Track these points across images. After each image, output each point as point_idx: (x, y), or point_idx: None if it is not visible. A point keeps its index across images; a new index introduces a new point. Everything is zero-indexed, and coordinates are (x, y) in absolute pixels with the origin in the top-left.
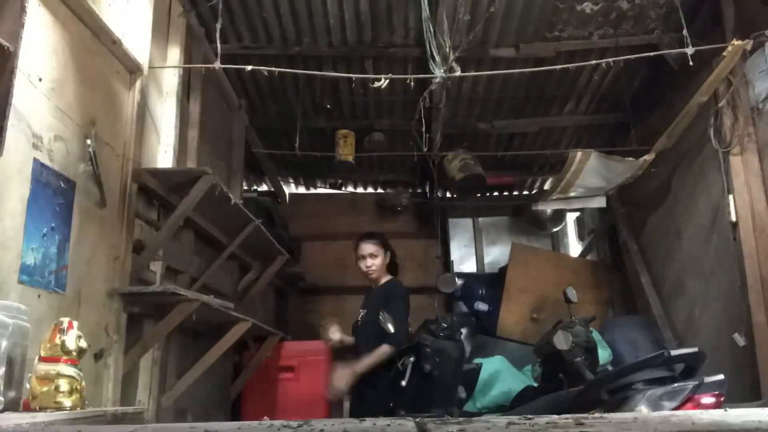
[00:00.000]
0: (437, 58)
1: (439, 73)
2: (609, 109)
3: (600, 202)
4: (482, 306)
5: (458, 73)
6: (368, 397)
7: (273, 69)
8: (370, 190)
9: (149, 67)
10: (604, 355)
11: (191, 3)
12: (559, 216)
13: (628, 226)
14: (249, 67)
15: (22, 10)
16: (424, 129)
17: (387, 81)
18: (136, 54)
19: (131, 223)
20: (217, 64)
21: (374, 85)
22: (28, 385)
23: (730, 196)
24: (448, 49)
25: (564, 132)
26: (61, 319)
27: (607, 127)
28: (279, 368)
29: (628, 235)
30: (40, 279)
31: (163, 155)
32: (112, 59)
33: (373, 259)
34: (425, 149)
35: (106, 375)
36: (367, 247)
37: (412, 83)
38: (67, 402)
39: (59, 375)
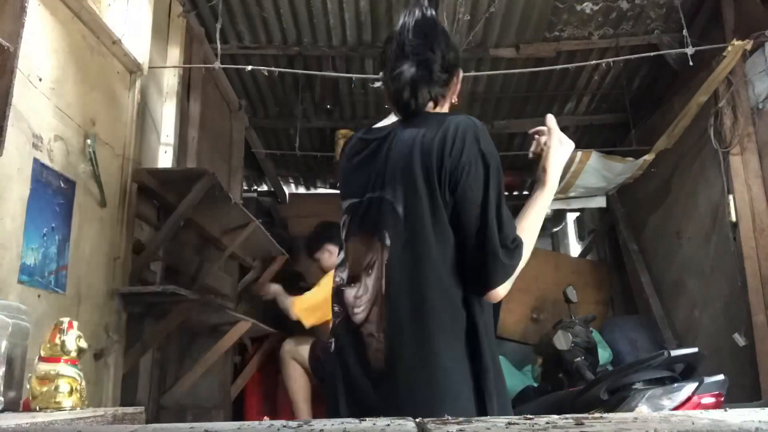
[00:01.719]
0: None
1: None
2: (609, 109)
3: (600, 202)
4: None
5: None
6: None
7: (273, 69)
8: None
9: (149, 67)
10: (604, 355)
11: (191, 3)
12: (559, 216)
13: (628, 226)
14: (249, 67)
15: (22, 10)
16: None
17: None
18: (136, 54)
19: (131, 223)
20: (217, 64)
21: (374, 85)
22: (28, 385)
23: (730, 196)
24: None
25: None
26: (61, 319)
27: (607, 127)
28: (279, 368)
29: (628, 235)
30: (40, 279)
31: (163, 155)
32: (112, 59)
33: None
34: None
35: (106, 375)
36: None
37: None
38: (67, 402)
39: (59, 375)
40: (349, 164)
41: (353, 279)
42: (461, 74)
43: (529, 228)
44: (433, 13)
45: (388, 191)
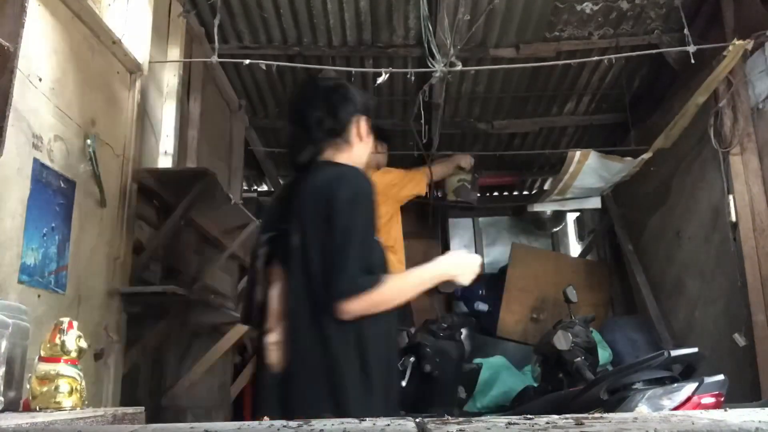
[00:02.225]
0: (437, 56)
1: (439, 67)
2: (609, 109)
3: (595, 203)
4: (482, 306)
5: (459, 67)
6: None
7: (271, 63)
8: None
9: (150, 63)
10: (604, 355)
11: (191, 3)
12: (559, 216)
13: (623, 227)
14: (246, 61)
15: (22, 10)
16: (423, 122)
17: (387, 75)
18: (136, 54)
19: (131, 223)
20: (214, 58)
21: (377, 83)
22: (28, 385)
23: (730, 196)
24: (448, 47)
25: (564, 132)
26: (61, 319)
27: (607, 127)
28: None
29: (624, 235)
30: (40, 279)
31: (163, 155)
32: (112, 59)
33: None
34: (424, 142)
35: (106, 375)
36: None
37: (413, 77)
38: (67, 402)
39: (59, 375)
40: (268, 207)
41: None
42: (362, 122)
43: (407, 275)
44: (328, 83)
45: (291, 227)
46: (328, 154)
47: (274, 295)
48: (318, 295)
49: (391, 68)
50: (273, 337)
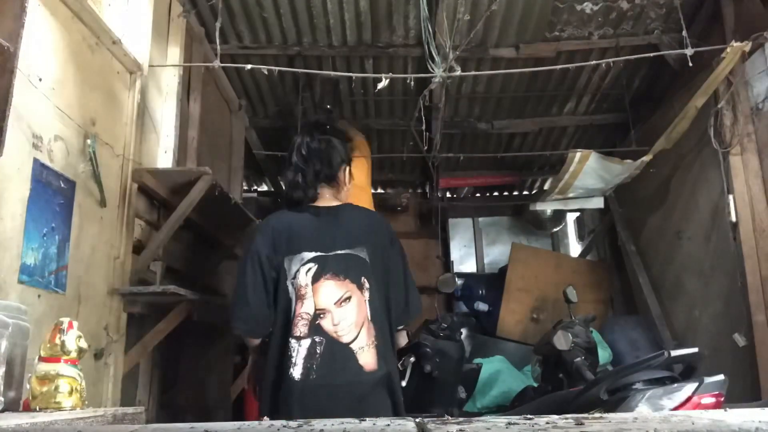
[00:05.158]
0: (437, 58)
1: (438, 72)
2: (609, 109)
3: (597, 203)
4: (482, 306)
5: (458, 73)
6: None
7: (272, 68)
8: None
9: (149, 66)
10: (604, 355)
11: (191, 3)
12: (559, 216)
13: (626, 227)
14: (248, 66)
15: (22, 10)
16: (424, 128)
17: (388, 81)
18: (136, 54)
19: (131, 223)
20: (217, 63)
21: (378, 88)
22: (28, 385)
23: (730, 196)
24: (448, 49)
25: (564, 132)
26: (61, 319)
27: (607, 127)
28: None
29: (626, 235)
30: (40, 279)
31: (163, 155)
32: (112, 59)
33: None
34: (425, 148)
35: (106, 375)
36: None
37: (412, 82)
38: (67, 402)
39: (59, 375)
40: (299, 227)
41: (323, 312)
42: (347, 170)
43: None
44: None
45: (356, 249)
46: (324, 194)
47: (332, 306)
48: (396, 307)
49: (391, 71)
50: (359, 343)
